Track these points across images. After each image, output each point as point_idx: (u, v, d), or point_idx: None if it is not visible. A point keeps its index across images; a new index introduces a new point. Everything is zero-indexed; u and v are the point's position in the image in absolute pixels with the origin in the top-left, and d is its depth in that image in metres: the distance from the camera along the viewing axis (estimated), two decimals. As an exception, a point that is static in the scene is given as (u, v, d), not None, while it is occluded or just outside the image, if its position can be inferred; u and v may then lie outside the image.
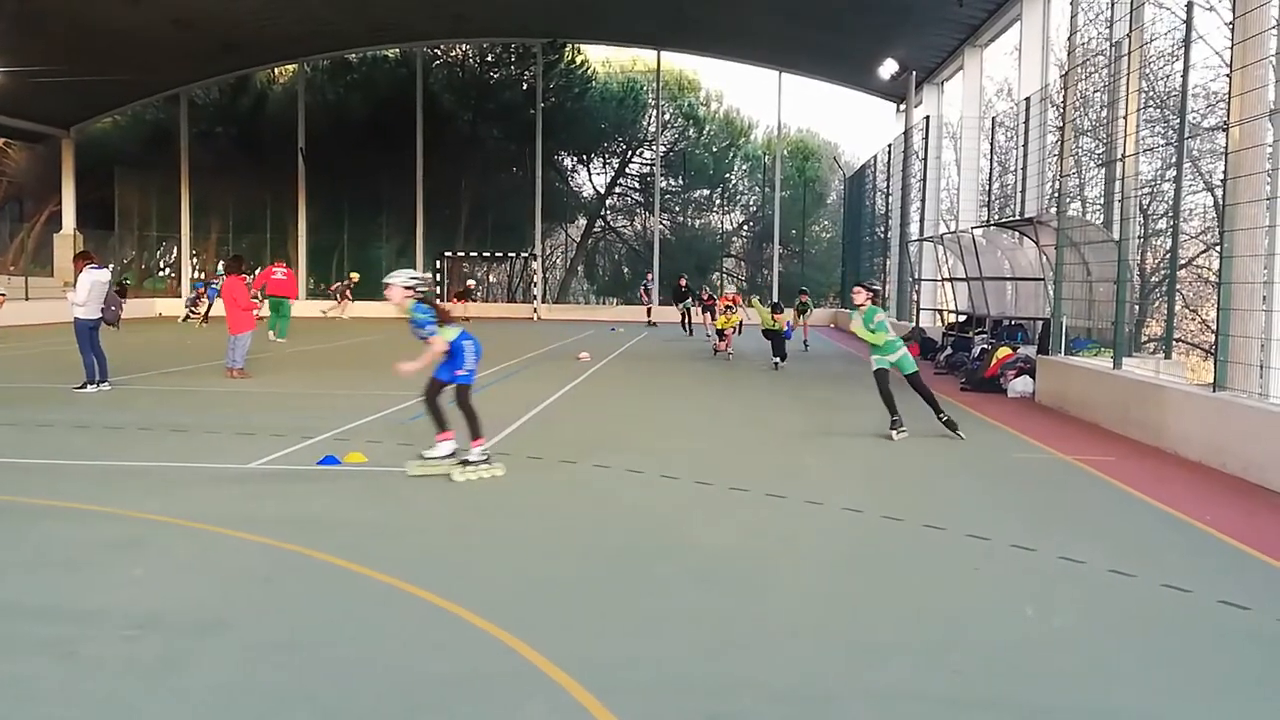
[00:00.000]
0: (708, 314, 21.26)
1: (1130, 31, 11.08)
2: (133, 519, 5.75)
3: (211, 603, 4.40)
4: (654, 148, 36.73)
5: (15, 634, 4.02)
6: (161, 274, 38.28)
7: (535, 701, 3.44)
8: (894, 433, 9.01)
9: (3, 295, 12.65)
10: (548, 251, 38.56)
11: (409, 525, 5.90)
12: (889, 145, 26.51)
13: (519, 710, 3.38)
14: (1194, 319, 21.37)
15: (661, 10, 29.75)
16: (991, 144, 19.88)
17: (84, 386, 11.37)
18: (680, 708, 3.42)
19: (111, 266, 18.38)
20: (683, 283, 25.56)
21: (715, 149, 39.50)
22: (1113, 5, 11.86)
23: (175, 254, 36.80)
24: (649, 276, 32.68)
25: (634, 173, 38.99)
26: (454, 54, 37.68)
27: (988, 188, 20.66)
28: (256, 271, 25.00)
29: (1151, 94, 16.08)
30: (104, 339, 11.77)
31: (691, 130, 39.16)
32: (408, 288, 6.96)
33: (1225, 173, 8.77)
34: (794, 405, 11.69)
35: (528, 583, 4.78)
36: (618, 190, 39.59)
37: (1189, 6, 9.89)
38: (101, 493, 6.19)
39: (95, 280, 11.54)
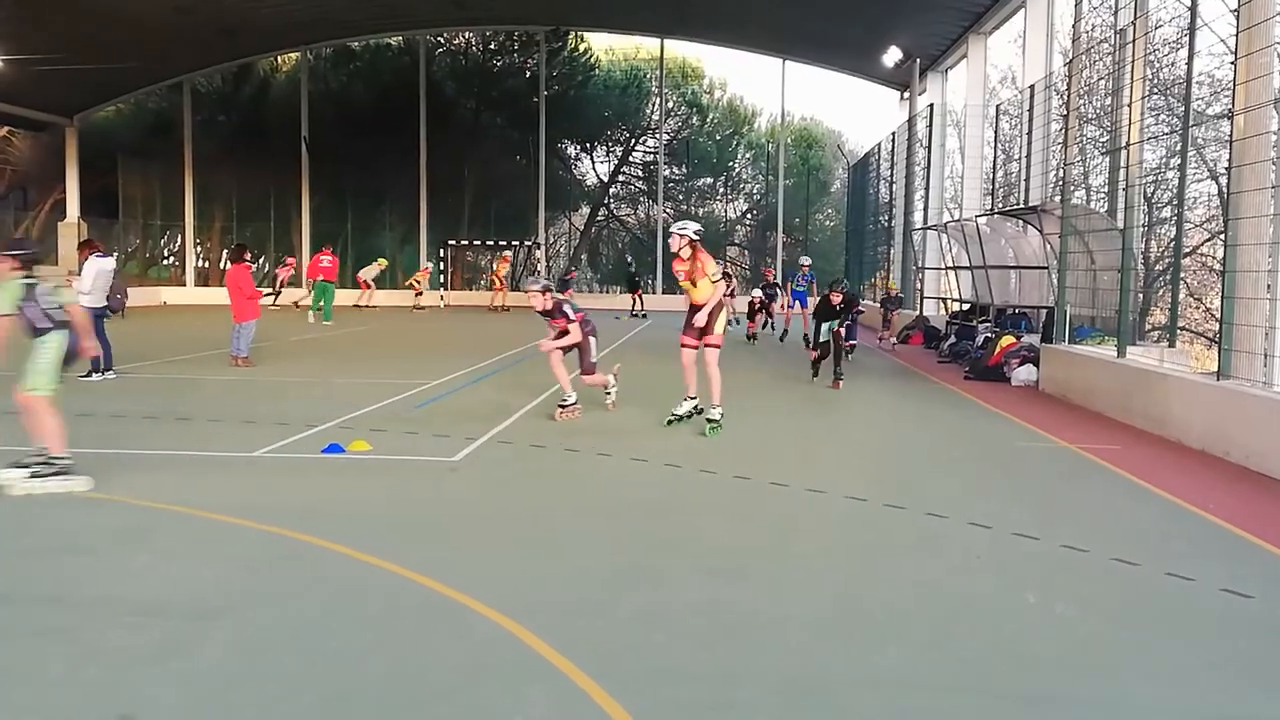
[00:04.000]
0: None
1: (1135, 19, 11.03)
2: (137, 507, 5.77)
3: (215, 591, 4.42)
4: (657, 136, 36.63)
5: (18, 620, 4.05)
6: (166, 262, 38.29)
7: (538, 689, 3.46)
8: None
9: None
10: (551, 240, 38.50)
11: (413, 514, 5.91)
12: (893, 133, 26.38)
13: (522, 698, 3.40)
14: (1198, 307, 21.32)
15: (665, -2, 29.63)
16: (995, 132, 19.80)
17: (89, 375, 11.39)
18: (682, 696, 3.44)
19: (116, 254, 18.46)
20: (835, 300, 12.58)
21: (719, 137, 39.35)
22: (1118, -8, 11.79)
23: (179, 242, 36.81)
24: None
25: (637, 161, 38.88)
26: (457, 42, 37.54)
27: (992, 176, 20.58)
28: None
29: (1156, 82, 16.00)
30: (109, 327, 11.79)
31: (695, 118, 39.00)
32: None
33: (1230, 160, 8.74)
34: (799, 395, 11.68)
35: (531, 571, 4.79)
36: (621, 178, 39.48)
37: (1194, -7, 9.83)
38: (105, 481, 6.20)
39: (100, 269, 11.54)
